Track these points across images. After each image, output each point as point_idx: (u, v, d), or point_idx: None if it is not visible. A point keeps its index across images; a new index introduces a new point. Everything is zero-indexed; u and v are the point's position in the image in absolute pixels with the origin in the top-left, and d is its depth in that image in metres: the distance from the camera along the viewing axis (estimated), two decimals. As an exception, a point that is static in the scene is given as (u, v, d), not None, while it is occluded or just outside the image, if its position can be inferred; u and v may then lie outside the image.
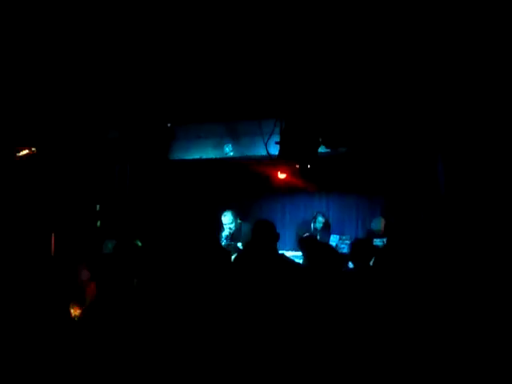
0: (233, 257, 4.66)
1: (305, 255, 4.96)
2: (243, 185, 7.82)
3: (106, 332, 2.95)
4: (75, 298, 4.14)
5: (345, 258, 6.03)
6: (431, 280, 3.15)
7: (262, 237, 3.87)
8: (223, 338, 2.80)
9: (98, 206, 6.48)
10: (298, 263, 4.34)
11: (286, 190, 7.75)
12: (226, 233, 6.12)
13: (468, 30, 4.08)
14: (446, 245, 5.00)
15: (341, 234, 7.22)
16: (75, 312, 3.66)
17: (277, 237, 3.95)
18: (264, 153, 5.78)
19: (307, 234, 6.95)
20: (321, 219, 7.34)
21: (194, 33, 4.55)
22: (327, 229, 7.41)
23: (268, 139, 5.82)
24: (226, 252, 4.94)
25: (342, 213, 7.91)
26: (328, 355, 2.68)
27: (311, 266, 3.78)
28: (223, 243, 5.98)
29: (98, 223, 6.36)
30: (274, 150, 5.63)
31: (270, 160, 5.72)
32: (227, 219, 6.15)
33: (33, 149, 5.58)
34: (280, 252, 4.61)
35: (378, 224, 6.58)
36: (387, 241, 6.23)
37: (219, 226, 6.29)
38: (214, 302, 3.00)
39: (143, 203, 6.89)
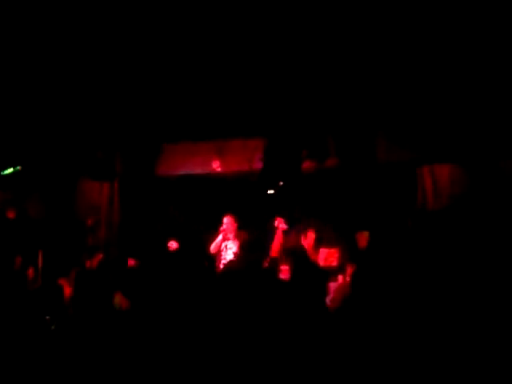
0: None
1: (290, 268, 4.97)
2: (231, 200, 7.86)
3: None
4: (58, 314, 4.20)
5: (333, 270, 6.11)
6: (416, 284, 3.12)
7: (247, 251, 3.91)
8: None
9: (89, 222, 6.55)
10: (280, 278, 4.36)
11: (275, 205, 7.78)
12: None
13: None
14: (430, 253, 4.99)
15: (329, 247, 7.23)
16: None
17: (262, 250, 3.95)
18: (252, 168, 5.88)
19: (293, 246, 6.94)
20: (311, 235, 7.35)
21: (183, 54, 4.68)
22: (317, 244, 7.42)
23: (253, 156, 5.92)
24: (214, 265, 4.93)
25: (330, 226, 7.92)
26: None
27: (295, 279, 3.80)
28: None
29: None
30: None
31: (255, 176, 5.81)
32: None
33: (18, 167, 5.68)
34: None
35: (362, 238, 6.64)
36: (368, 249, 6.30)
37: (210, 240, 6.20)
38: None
39: (131, 219, 6.95)
